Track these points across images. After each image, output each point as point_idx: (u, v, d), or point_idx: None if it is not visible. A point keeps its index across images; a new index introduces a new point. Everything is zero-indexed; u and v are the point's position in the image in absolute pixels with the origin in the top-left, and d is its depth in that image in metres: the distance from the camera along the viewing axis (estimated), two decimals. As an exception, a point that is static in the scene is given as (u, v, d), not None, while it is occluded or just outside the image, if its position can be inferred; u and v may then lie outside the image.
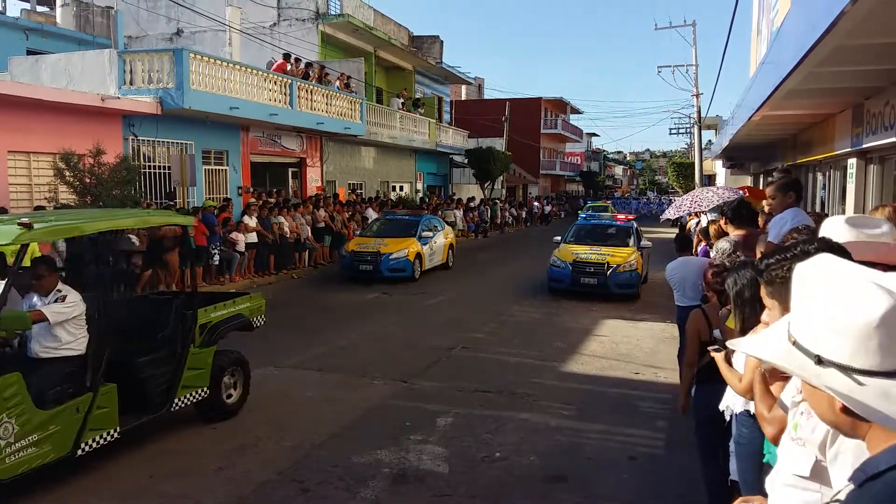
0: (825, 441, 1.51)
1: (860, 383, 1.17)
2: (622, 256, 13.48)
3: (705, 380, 4.06)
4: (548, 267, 14.06)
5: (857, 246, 2.36)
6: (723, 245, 4.76)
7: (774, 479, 1.79)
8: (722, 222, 6.14)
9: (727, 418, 3.36)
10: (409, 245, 16.15)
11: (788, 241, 2.95)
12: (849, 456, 1.42)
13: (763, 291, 2.02)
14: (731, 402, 3.24)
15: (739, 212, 5.53)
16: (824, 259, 1.32)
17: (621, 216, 16.05)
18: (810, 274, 1.28)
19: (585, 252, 13.74)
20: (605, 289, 13.14)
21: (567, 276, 13.48)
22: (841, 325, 1.19)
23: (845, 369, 1.19)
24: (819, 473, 1.59)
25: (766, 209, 6.91)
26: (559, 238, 15.13)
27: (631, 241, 14.42)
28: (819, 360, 1.22)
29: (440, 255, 17.82)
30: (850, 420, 1.20)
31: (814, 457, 1.59)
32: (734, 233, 5.46)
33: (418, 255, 16.27)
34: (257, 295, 7.43)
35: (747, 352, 1.39)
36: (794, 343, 1.27)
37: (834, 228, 2.82)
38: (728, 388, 3.26)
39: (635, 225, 15.28)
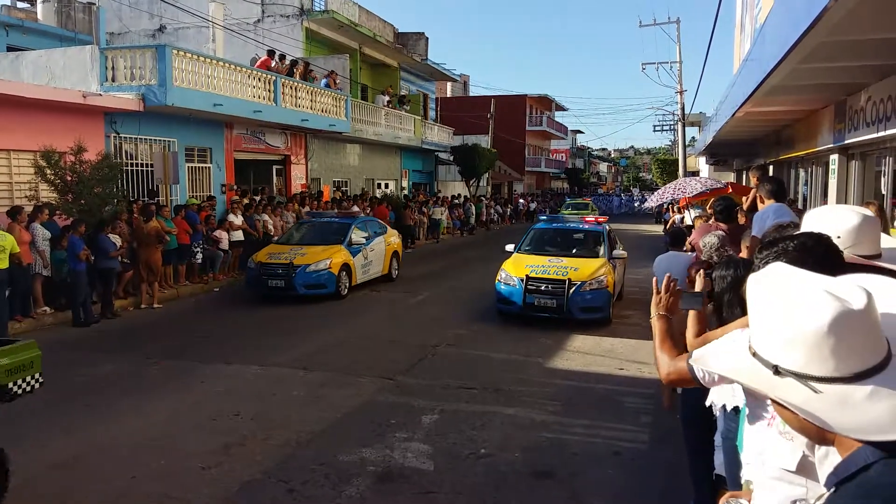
0: None
1: (816, 391, 1.19)
2: (588, 270, 10.71)
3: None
4: (495, 283, 11.30)
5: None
6: (710, 239, 4.79)
7: (760, 472, 1.80)
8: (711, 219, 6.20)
9: (715, 413, 3.37)
10: (333, 254, 13.27)
11: (770, 236, 2.96)
12: (839, 455, 1.43)
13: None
14: (718, 398, 3.25)
15: (726, 211, 5.62)
16: (776, 269, 1.34)
17: (592, 218, 13.45)
18: (763, 285, 1.30)
19: (542, 265, 11.01)
20: (565, 312, 10.37)
21: (518, 295, 10.64)
22: (792, 335, 1.21)
23: (801, 377, 1.20)
24: (805, 468, 1.60)
25: (746, 206, 7.00)
26: (512, 246, 12.43)
27: (601, 251, 11.68)
28: (777, 371, 1.23)
29: (379, 264, 15.15)
30: (816, 428, 1.22)
31: (801, 451, 1.60)
32: (718, 226, 5.50)
33: (346, 267, 13.45)
34: (28, 344, 4.89)
35: (721, 373, 1.40)
36: (755, 354, 1.28)
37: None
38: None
39: (607, 228, 12.54)
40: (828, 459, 1.47)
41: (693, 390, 4.03)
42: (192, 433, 6.17)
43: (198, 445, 5.85)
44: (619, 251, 12.04)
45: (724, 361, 1.38)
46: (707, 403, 3.38)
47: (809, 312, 1.19)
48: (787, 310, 1.22)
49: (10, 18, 22.23)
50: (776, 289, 1.26)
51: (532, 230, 12.98)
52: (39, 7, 23.73)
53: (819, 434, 1.24)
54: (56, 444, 5.87)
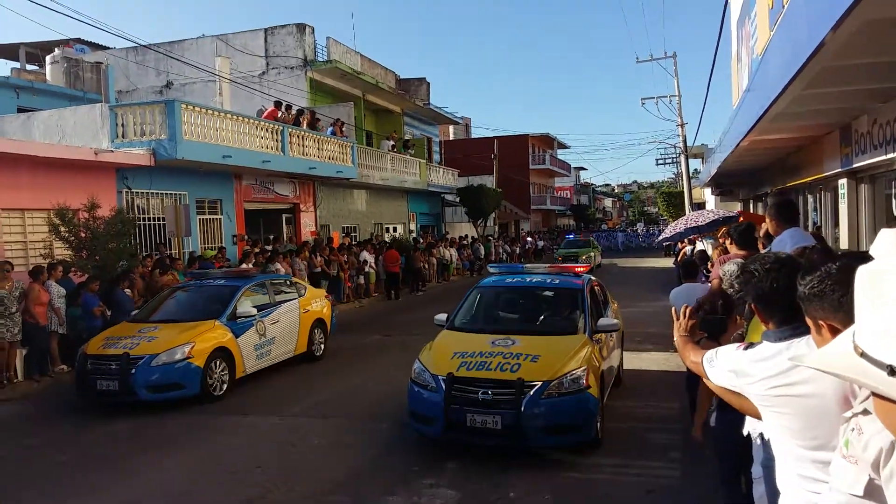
0: (878, 459, 1.48)
1: None
2: (556, 360, 6.58)
3: (725, 407, 4.02)
4: (408, 384, 7.01)
5: None
6: (730, 268, 4.76)
7: (829, 497, 1.75)
8: (727, 243, 6.18)
9: (756, 441, 3.31)
10: (198, 335, 9.23)
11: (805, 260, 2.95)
12: None
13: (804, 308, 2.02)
14: (755, 426, 3.20)
15: (746, 234, 5.61)
16: (890, 268, 1.29)
17: (582, 267, 9.17)
18: (878, 279, 1.25)
19: (480, 352, 6.76)
20: (517, 436, 6.19)
21: (437, 408, 6.40)
22: None
23: None
24: (873, 491, 1.55)
25: (762, 233, 6.99)
26: (443, 318, 8.14)
27: (579, 321, 7.61)
28: (892, 371, 1.18)
29: (290, 340, 11.07)
30: None
31: (867, 475, 1.56)
32: (736, 254, 5.48)
33: (223, 353, 9.38)
34: None
35: (813, 366, 1.37)
36: (863, 354, 1.24)
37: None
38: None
39: (591, 283, 8.48)
40: (893, 480, 1.43)
41: (727, 418, 3.97)
42: (214, 486, 6.08)
43: (221, 497, 5.76)
44: (610, 319, 7.99)
45: (825, 360, 1.34)
46: (745, 432, 3.33)
47: None
48: None
49: (21, 81, 22.68)
50: (891, 288, 1.22)
51: (475, 290, 8.71)
52: (48, 68, 24.23)
53: None
54: (76, 502, 5.80)
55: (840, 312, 1.76)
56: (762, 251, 6.07)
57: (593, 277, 8.98)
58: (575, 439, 6.43)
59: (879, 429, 1.48)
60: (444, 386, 6.42)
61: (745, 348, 2.44)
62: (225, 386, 9.35)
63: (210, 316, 9.75)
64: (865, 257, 1.92)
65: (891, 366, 1.19)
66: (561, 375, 6.35)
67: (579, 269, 8.99)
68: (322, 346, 12.04)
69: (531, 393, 6.22)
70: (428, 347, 7.35)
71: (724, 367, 2.50)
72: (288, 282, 12.23)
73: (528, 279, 8.74)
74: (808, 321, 1.95)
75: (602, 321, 7.63)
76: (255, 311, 10.25)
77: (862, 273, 1.29)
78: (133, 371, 8.65)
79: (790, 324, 2.28)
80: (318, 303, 12.27)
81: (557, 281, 8.49)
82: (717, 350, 2.60)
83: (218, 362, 9.27)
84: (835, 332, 1.71)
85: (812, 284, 1.86)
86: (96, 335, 9.87)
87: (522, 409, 6.15)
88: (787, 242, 4.80)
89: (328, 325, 12.41)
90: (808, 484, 2.20)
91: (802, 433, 2.19)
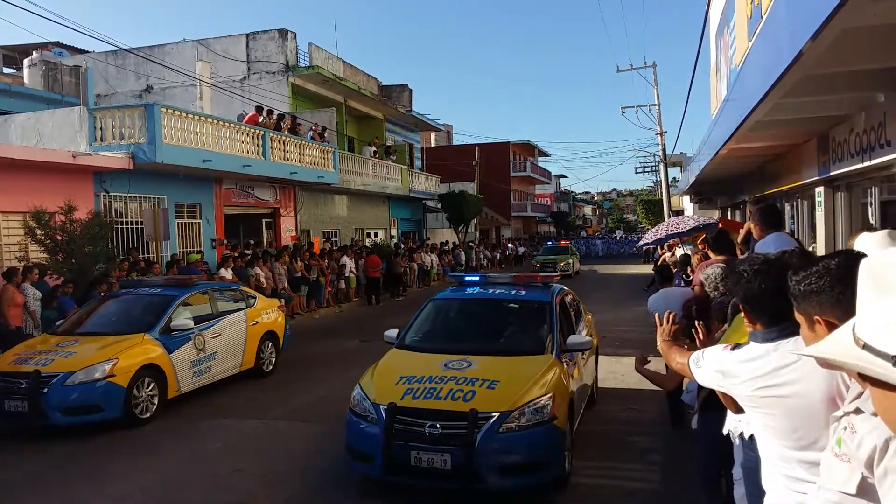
0: (872, 458, 1.49)
1: None
2: (516, 386, 5.72)
3: (709, 408, 4.05)
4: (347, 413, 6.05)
5: None
6: (713, 271, 4.82)
7: (818, 495, 1.76)
8: (707, 249, 6.26)
9: (735, 441, 3.34)
10: (122, 351, 8.24)
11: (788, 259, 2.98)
12: None
13: (795, 306, 2.03)
14: (735, 427, 3.22)
15: (720, 239, 5.69)
16: (892, 260, 1.28)
17: (551, 277, 8.28)
18: (884, 272, 1.25)
19: (429, 377, 5.86)
20: (469, 477, 5.27)
21: (377, 443, 5.46)
22: None
23: None
24: (865, 489, 1.57)
25: (740, 238, 7.08)
26: (394, 334, 7.22)
27: (546, 340, 6.68)
28: None
29: (235, 355, 10.08)
30: None
31: (860, 473, 1.57)
32: (716, 259, 5.55)
33: (152, 370, 8.44)
34: None
35: (814, 355, 1.37)
36: (865, 346, 1.24)
37: (872, 242, 2.75)
38: (729, 413, 3.25)
39: (559, 294, 7.58)
40: (887, 478, 1.45)
41: (710, 420, 4.00)
42: (195, 493, 6.01)
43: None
44: (581, 336, 7.12)
45: (826, 351, 1.34)
46: (724, 432, 3.35)
47: None
48: None
49: (-3, 83, 22.39)
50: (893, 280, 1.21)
51: (431, 304, 7.73)
52: (26, 71, 23.95)
53: None
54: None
55: (839, 308, 1.78)
56: (740, 256, 6.16)
57: (564, 287, 8.16)
58: (538, 480, 5.44)
59: (872, 427, 1.50)
60: (385, 417, 5.40)
61: (732, 349, 2.45)
62: (154, 407, 8.33)
63: (139, 329, 8.76)
64: (861, 255, 1.95)
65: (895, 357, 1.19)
66: (522, 405, 5.40)
67: (554, 277, 8.15)
68: (273, 360, 11.05)
69: (486, 426, 5.25)
70: (371, 370, 6.30)
71: (711, 367, 2.51)
72: (237, 291, 11.25)
73: (491, 291, 7.60)
74: (801, 318, 1.96)
75: (572, 339, 6.66)
76: (192, 323, 9.22)
77: (866, 266, 1.29)
78: (45, 391, 7.59)
79: (778, 325, 2.29)
80: (269, 314, 11.26)
81: (523, 293, 7.44)
82: (704, 351, 2.62)
83: (146, 381, 8.26)
84: (831, 327, 1.73)
85: (810, 281, 1.88)
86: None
87: (476, 445, 5.16)
88: (770, 246, 4.87)
89: (281, 338, 11.39)
90: (794, 484, 2.21)
91: (789, 434, 2.21)
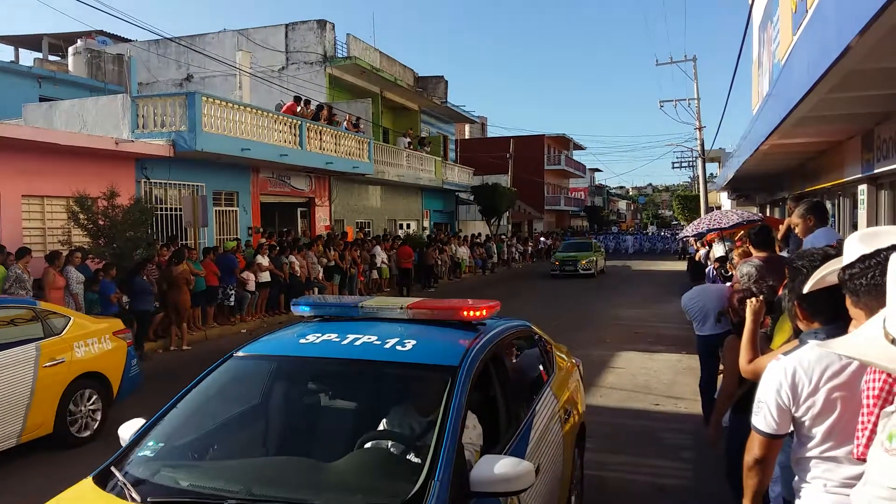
0: None
1: None
2: None
3: (742, 409, 4.00)
4: None
5: None
6: (746, 269, 4.74)
7: (864, 492, 1.74)
8: (747, 245, 6.18)
9: None
10: None
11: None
12: None
13: (848, 302, 1.98)
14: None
15: (762, 234, 5.62)
16: None
17: (480, 309, 3.69)
18: None
19: None
20: None
21: None
22: None
23: None
24: None
25: (780, 235, 6.97)
26: (128, 434, 3.17)
27: (427, 464, 2.63)
28: None
29: (12, 416, 6.15)
30: None
31: None
32: (756, 255, 5.47)
33: None
34: None
35: (841, 352, 1.37)
36: (894, 341, 1.23)
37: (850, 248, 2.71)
38: None
39: (494, 338, 3.62)
40: None
41: (743, 420, 3.95)
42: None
43: None
44: (508, 461, 2.67)
45: (853, 347, 1.34)
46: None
47: None
48: None
49: (43, 70, 22.96)
50: None
51: (223, 368, 3.54)
52: (70, 59, 24.50)
53: None
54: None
55: None
56: (778, 253, 6.07)
57: (523, 324, 4.49)
58: None
59: None
60: None
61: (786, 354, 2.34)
62: None
63: None
64: None
65: None
66: None
67: (487, 309, 3.72)
68: (96, 420, 7.14)
69: None
70: None
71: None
72: (29, 309, 6.96)
73: (355, 338, 3.46)
74: (859, 313, 1.91)
75: (483, 471, 2.64)
76: None
77: (893, 263, 1.28)
78: None
79: (835, 322, 2.22)
80: (91, 346, 7.17)
81: (412, 344, 3.39)
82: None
83: None
84: None
85: (873, 274, 1.82)
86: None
87: None
88: (822, 240, 4.81)
89: (115, 382, 7.42)
90: (832, 482, 2.19)
91: (836, 432, 2.18)
